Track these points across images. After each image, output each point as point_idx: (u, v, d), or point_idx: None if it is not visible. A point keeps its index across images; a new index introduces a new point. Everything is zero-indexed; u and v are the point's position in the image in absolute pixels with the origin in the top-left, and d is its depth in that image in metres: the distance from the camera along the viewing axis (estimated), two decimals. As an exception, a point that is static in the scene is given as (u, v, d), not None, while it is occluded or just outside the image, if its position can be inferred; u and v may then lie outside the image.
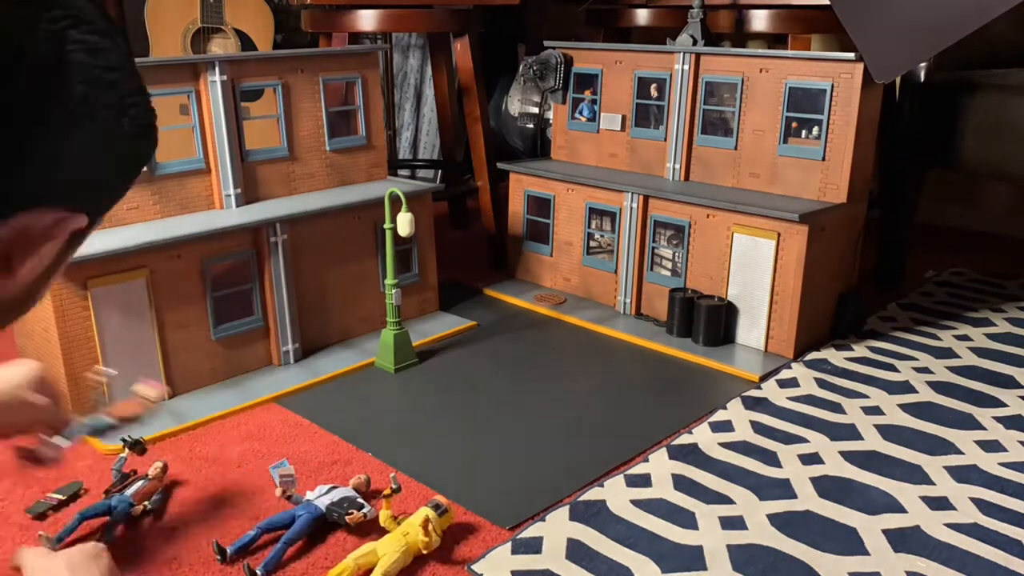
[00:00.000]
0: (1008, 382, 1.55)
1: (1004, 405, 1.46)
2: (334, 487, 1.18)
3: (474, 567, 1.05)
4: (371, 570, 1.04)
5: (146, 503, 1.16)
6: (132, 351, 1.42)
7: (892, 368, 1.61)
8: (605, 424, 1.42)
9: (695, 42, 1.83)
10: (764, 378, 1.57)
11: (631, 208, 1.82)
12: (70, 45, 0.50)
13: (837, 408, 1.46)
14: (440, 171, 2.85)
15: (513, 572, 1.04)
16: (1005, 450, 1.31)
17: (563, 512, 1.16)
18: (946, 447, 1.33)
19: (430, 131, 2.95)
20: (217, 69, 1.53)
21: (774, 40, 2.56)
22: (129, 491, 1.16)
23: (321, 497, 1.15)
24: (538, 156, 2.30)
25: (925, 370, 1.60)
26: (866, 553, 1.07)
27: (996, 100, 1.82)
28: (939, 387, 1.53)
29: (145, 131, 0.58)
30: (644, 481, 1.24)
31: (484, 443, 1.36)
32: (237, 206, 1.60)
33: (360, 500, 1.16)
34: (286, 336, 1.61)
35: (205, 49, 2.42)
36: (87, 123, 0.52)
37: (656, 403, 1.50)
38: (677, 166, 1.86)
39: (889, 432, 1.37)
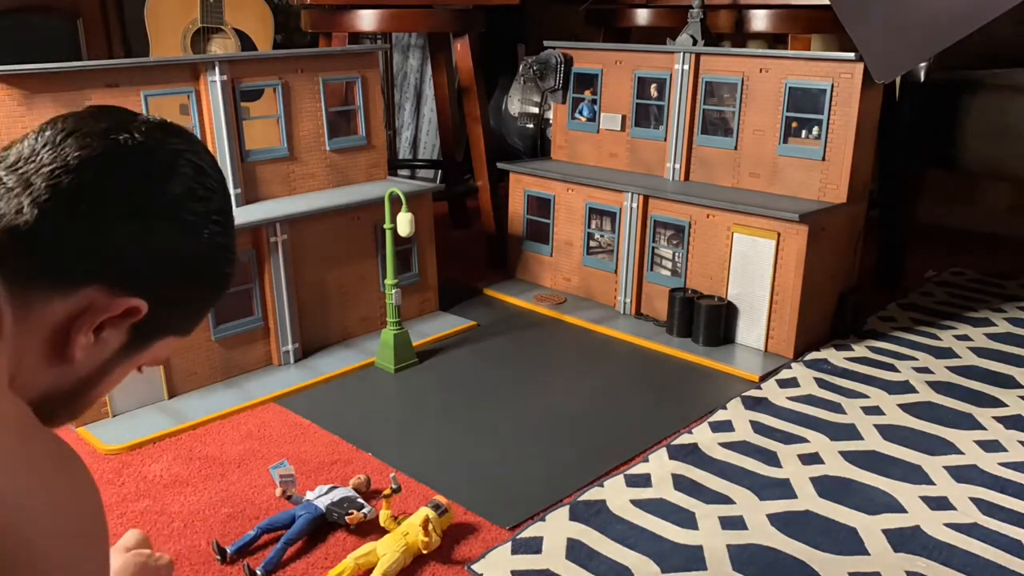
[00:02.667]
0: (1008, 382, 1.55)
1: (1004, 405, 1.46)
2: (334, 487, 1.18)
3: (474, 567, 1.05)
4: (371, 570, 1.04)
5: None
6: (132, 351, 1.41)
7: (892, 368, 1.61)
8: (605, 424, 1.42)
9: (695, 42, 1.83)
10: (764, 378, 1.57)
11: (631, 208, 1.82)
12: (181, 160, 0.60)
13: (837, 408, 1.46)
14: (440, 171, 2.85)
15: (513, 572, 1.04)
16: (1005, 450, 1.31)
17: (563, 512, 1.16)
18: (946, 447, 1.33)
19: (430, 131, 2.95)
20: (217, 69, 1.53)
21: (774, 40, 2.56)
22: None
23: (321, 497, 1.15)
24: (538, 156, 2.30)
25: (925, 370, 1.60)
26: (866, 553, 1.07)
27: (996, 100, 1.82)
28: (939, 387, 1.53)
29: (221, 250, 0.64)
30: (644, 481, 1.24)
31: (484, 443, 1.36)
32: (237, 206, 1.60)
33: (360, 500, 1.16)
34: (286, 336, 1.61)
35: (205, 49, 2.42)
36: (172, 223, 0.59)
37: (656, 403, 1.50)
38: (677, 166, 1.86)
39: (889, 432, 1.37)
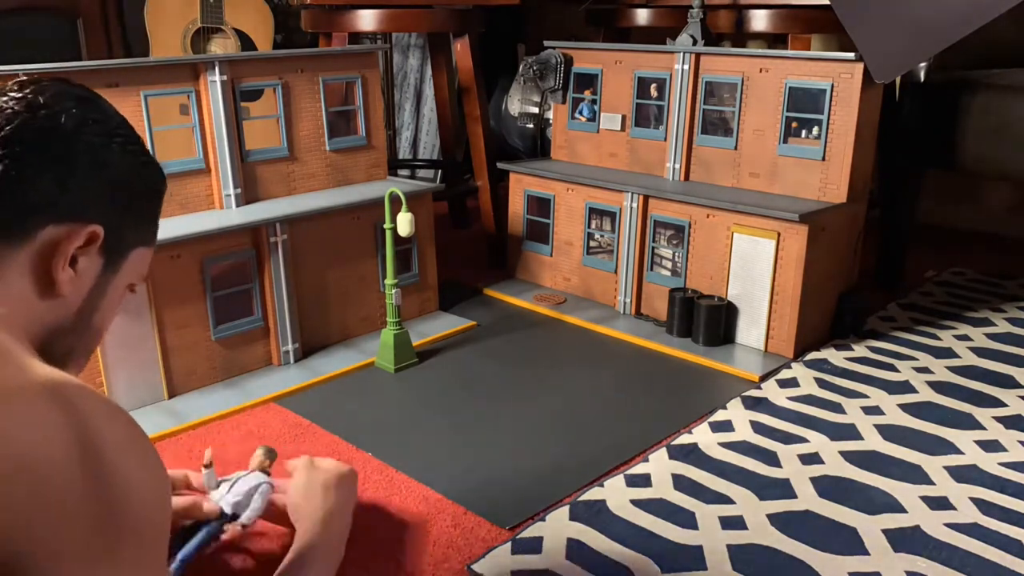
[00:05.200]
0: (1008, 382, 1.55)
1: (1004, 405, 1.46)
2: (239, 476, 1.05)
3: (474, 567, 1.05)
4: None
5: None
6: (132, 351, 1.42)
7: (892, 368, 1.61)
8: (605, 424, 1.42)
9: (695, 42, 1.83)
10: (764, 378, 1.57)
11: (631, 208, 1.82)
12: (65, 101, 0.69)
13: (837, 408, 1.46)
14: (440, 171, 2.85)
15: (513, 572, 1.04)
16: (1005, 450, 1.31)
17: (563, 512, 1.16)
18: (946, 447, 1.33)
19: (430, 131, 2.95)
20: (217, 69, 1.53)
21: (774, 40, 2.56)
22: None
23: (225, 496, 1.02)
24: (538, 156, 2.30)
25: (925, 370, 1.60)
26: (866, 553, 1.07)
27: (996, 100, 1.82)
28: (939, 387, 1.53)
29: (135, 156, 0.73)
30: (644, 481, 1.24)
31: (484, 443, 1.36)
32: (237, 206, 1.60)
33: (264, 486, 1.04)
34: (286, 336, 1.62)
35: (205, 49, 2.42)
36: (82, 154, 0.68)
37: (656, 403, 1.50)
38: (677, 166, 1.86)
39: (889, 432, 1.37)
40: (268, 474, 1.08)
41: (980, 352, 1.69)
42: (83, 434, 0.53)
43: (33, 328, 0.66)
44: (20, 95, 0.67)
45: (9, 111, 0.65)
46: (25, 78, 0.70)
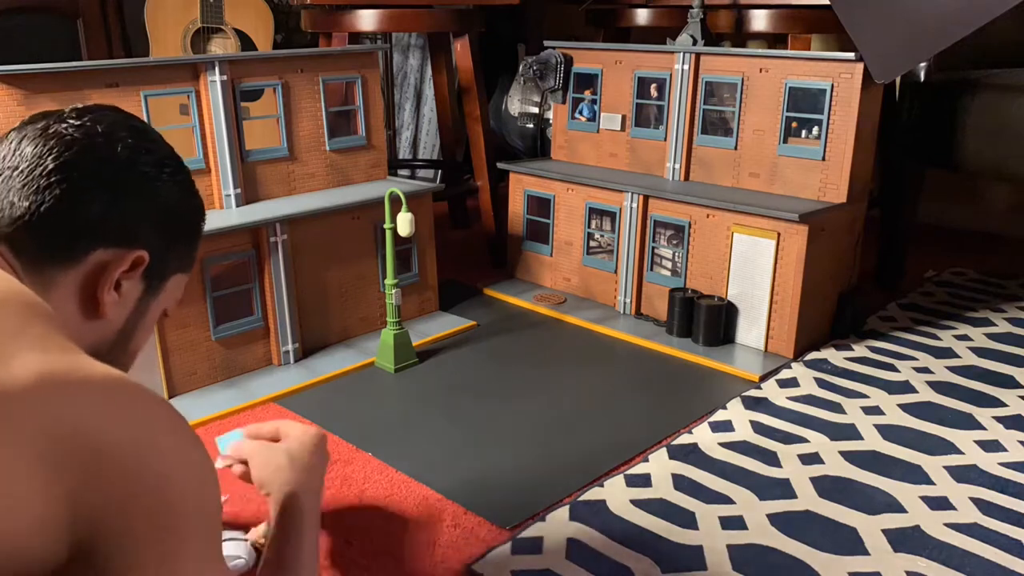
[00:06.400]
0: (1008, 382, 1.55)
1: (1004, 405, 1.46)
2: (228, 537, 1.06)
3: (474, 567, 1.05)
4: None
5: None
6: (132, 351, 1.41)
7: (892, 368, 1.61)
8: (605, 424, 1.42)
9: (695, 42, 1.83)
10: (764, 378, 1.57)
11: (631, 208, 1.82)
12: (119, 130, 0.72)
13: (837, 408, 1.46)
14: (440, 171, 2.85)
15: (513, 572, 1.04)
16: (1005, 450, 1.31)
17: (563, 512, 1.16)
18: (946, 447, 1.33)
19: (430, 131, 2.95)
20: (217, 69, 1.53)
21: (774, 40, 2.56)
22: None
23: None
24: (538, 156, 2.30)
25: (925, 370, 1.60)
26: (866, 553, 1.07)
27: (996, 100, 1.82)
28: (939, 387, 1.53)
29: (182, 187, 0.76)
30: (644, 481, 1.24)
31: (484, 443, 1.36)
32: (237, 206, 1.60)
33: (238, 562, 1.04)
34: (286, 336, 1.62)
35: (205, 49, 2.42)
36: (132, 182, 0.70)
37: (656, 403, 1.50)
38: (677, 166, 1.86)
39: (889, 432, 1.37)
40: (258, 552, 1.05)
41: (980, 352, 1.69)
42: (142, 431, 0.55)
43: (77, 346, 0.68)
44: (79, 122, 0.69)
45: (68, 137, 0.68)
46: (83, 106, 0.72)
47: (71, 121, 0.69)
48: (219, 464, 1.03)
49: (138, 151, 0.71)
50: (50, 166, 0.66)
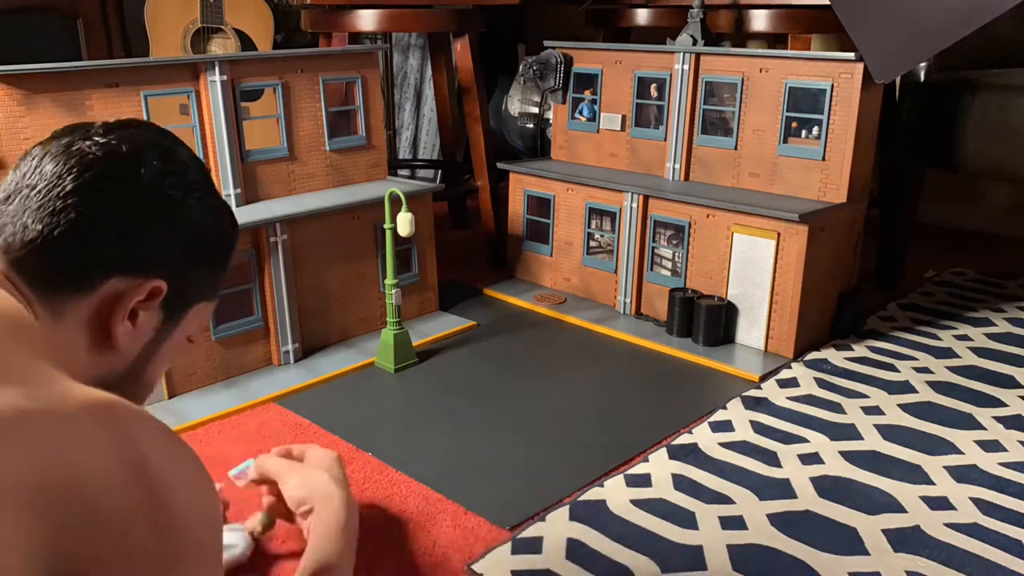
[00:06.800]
0: (1008, 382, 1.55)
1: (1004, 405, 1.46)
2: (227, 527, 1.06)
3: (474, 567, 1.05)
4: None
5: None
6: (132, 351, 1.42)
7: (892, 368, 1.61)
8: (605, 424, 1.42)
9: (695, 42, 1.83)
10: (764, 378, 1.57)
11: (631, 208, 1.82)
12: (146, 149, 0.67)
13: (837, 408, 1.46)
14: (440, 171, 2.85)
15: (513, 572, 1.04)
16: (1005, 450, 1.31)
17: (563, 512, 1.16)
18: (946, 447, 1.33)
19: (430, 131, 2.95)
20: (217, 69, 1.53)
21: (774, 40, 2.56)
22: None
23: None
24: (538, 156, 2.30)
25: (925, 370, 1.60)
26: (866, 553, 1.07)
27: (996, 100, 1.82)
28: (939, 387, 1.53)
29: (212, 211, 0.71)
30: (644, 481, 1.24)
31: (484, 443, 1.36)
32: (237, 206, 1.60)
33: (235, 550, 1.04)
34: (286, 336, 1.62)
35: (205, 49, 2.42)
36: (157, 205, 0.66)
37: (656, 403, 1.50)
38: (677, 166, 1.86)
39: (889, 432, 1.37)
40: (255, 540, 1.07)
41: (980, 352, 1.69)
42: (134, 455, 0.51)
43: (80, 378, 0.61)
44: (104, 140, 0.65)
45: (90, 156, 0.64)
46: (113, 122, 0.68)
47: (96, 139, 0.65)
48: (240, 484, 1.07)
49: (164, 174, 0.66)
50: (68, 187, 0.62)
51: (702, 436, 1.36)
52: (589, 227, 1.94)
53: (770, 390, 1.53)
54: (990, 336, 1.77)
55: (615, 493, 1.20)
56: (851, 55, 1.58)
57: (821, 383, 1.55)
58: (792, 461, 1.29)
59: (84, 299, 0.63)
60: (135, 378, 0.70)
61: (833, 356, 1.66)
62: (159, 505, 0.51)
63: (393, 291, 1.58)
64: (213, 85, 1.54)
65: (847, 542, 1.09)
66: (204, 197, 0.70)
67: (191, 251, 0.69)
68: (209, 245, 0.72)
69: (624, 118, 1.95)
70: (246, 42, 2.45)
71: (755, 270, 1.66)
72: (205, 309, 0.75)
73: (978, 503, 1.17)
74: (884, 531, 1.11)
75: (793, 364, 1.63)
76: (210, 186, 0.72)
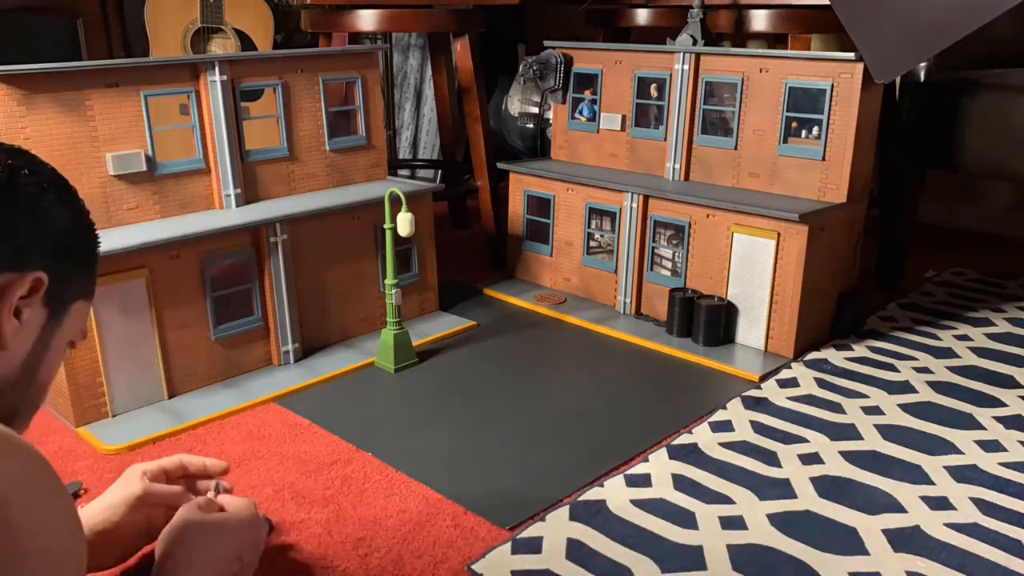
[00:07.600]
0: (1008, 382, 1.55)
1: (1004, 405, 1.46)
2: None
3: (474, 567, 1.05)
4: None
5: None
6: (132, 351, 1.42)
7: (892, 368, 1.61)
8: (605, 424, 1.42)
9: (695, 42, 1.83)
10: (764, 378, 1.57)
11: (631, 208, 1.82)
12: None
13: (837, 408, 1.46)
14: (440, 171, 2.85)
15: (513, 572, 1.04)
16: (1005, 450, 1.31)
17: (563, 512, 1.16)
18: (946, 447, 1.33)
19: (430, 131, 2.95)
20: (217, 69, 1.53)
21: (774, 40, 2.56)
22: None
23: None
24: (538, 156, 2.30)
25: (925, 370, 1.60)
26: (866, 553, 1.07)
27: (996, 100, 1.82)
28: (939, 387, 1.53)
29: (66, 206, 0.73)
30: (644, 481, 1.24)
31: (484, 443, 1.36)
32: (237, 206, 1.60)
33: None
34: (286, 336, 1.62)
35: (205, 49, 2.42)
36: (18, 204, 0.68)
37: (656, 403, 1.50)
38: (677, 166, 1.86)
39: (889, 432, 1.37)
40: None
41: (980, 352, 1.69)
42: None
43: None
44: None
45: None
46: None
47: None
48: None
49: (18, 171, 0.69)
50: None
51: (702, 436, 1.36)
52: (589, 227, 1.94)
53: (770, 390, 1.53)
54: (990, 336, 1.77)
55: (615, 493, 1.20)
56: (851, 55, 1.58)
57: (821, 383, 1.55)
58: (792, 461, 1.29)
59: None
60: (30, 381, 0.71)
61: (833, 356, 1.66)
62: (9, 550, 0.50)
63: (393, 291, 1.58)
64: (213, 85, 1.54)
65: (847, 542, 1.09)
66: (61, 194, 0.73)
67: (59, 245, 0.71)
68: (75, 239, 0.74)
69: (624, 118, 1.95)
70: (246, 42, 2.45)
71: (755, 270, 1.66)
72: (85, 309, 0.77)
73: (978, 503, 1.17)
74: (884, 531, 1.11)
75: (793, 364, 1.63)
76: (65, 184, 0.74)
